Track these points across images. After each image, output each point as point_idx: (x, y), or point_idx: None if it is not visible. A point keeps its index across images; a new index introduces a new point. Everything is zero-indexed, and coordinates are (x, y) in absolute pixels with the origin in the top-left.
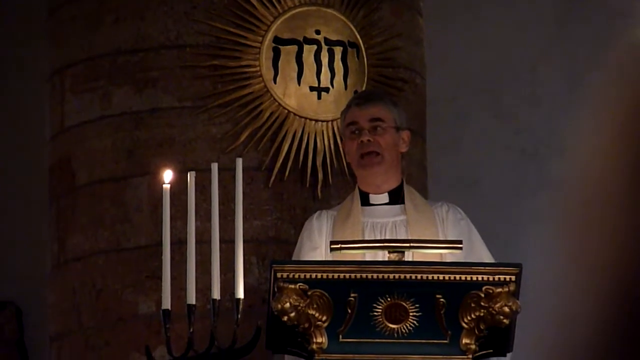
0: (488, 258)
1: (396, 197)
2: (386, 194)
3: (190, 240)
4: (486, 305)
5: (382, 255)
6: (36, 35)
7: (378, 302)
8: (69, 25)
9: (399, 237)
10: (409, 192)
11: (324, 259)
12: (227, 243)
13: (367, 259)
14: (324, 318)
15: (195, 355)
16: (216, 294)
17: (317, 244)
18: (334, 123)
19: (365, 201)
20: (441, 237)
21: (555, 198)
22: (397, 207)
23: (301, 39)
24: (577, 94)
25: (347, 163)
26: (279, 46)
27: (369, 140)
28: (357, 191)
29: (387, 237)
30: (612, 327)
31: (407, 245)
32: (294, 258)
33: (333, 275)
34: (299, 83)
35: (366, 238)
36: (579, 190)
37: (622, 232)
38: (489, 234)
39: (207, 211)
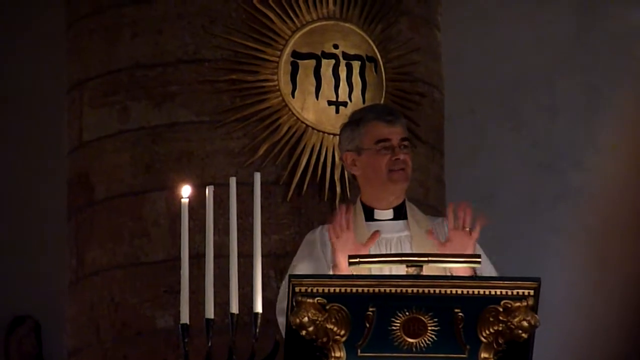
0: (493, 273)
1: (399, 213)
2: (391, 210)
3: (209, 255)
4: (505, 319)
5: (389, 270)
6: (55, 49)
7: (396, 317)
8: (88, 40)
9: (394, 253)
10: (410, 208)
11: (326, 273)
12: (245, 257)
13: (373, 272)
14: (343, 332)
15: None
16: (234, 308)
17: (321, 251)
18: None
19: (369, 216)
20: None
21: (573, 210)
22: (400, 223)
23: (319, 53)
24: (594, 107)
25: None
26: (297, 60)
27: (403, 159)
28: (359, 205)
29: (392, 253)
30: (633, 340)
31: (426, 259)
32: (290, 272)
33: (351, 290)
34: (317, 97)
35: (372, 253)
36: (597, 203)
37: None
38: (507, 247)
39: (225, 225)
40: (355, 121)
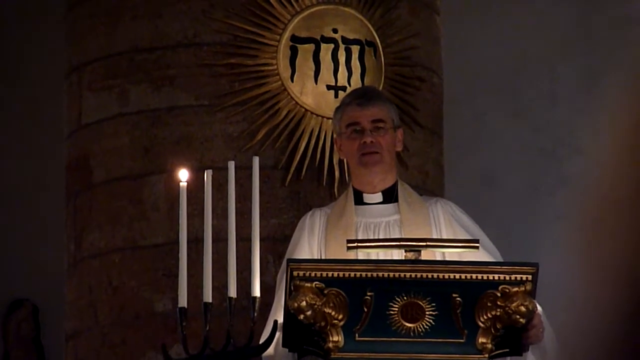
0: (493, 250)
1: (390, 195)
2: (380, 193)
3: (207, 239)
4: (502, 304)
5: (376, 255)
6: (54, 32)
7: (394, 301)
8: (87, 23)
9: (392, 238)
10: (403, 190)
11: (314, 258)
12: (244, 241)
13: (360, 257)
14: (340, 317)
15: (211, 353)
16: (232, 292)
17: (307, 241)
18: None
19: (359, 200)
20: (435, 237)
21: (573, 196)
22: (390, 207)
23: (318, 38)
24: (594, 93)
25: (340, 160)
26: (297, 45)
27: (372, 142)
28: (350, 190)
29: (381, 237)
30: (629, 326)
31: (424, 244)
32: (287, 256)
33: (349, 274)
34: (316, 82)
35: (360, 238)
36: (597, 189)
37: None
38: (506, 233)
39: (223, 209)
40: (339, 105)
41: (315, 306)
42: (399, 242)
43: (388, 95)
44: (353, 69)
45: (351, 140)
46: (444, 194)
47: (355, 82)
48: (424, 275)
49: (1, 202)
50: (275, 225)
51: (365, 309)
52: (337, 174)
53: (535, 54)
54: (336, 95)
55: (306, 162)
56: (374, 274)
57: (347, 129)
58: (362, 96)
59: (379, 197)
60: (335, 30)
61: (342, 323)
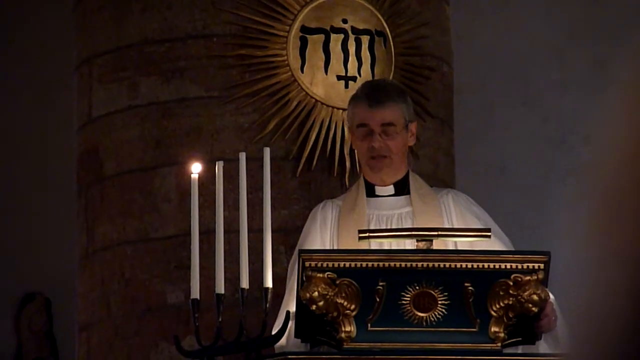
0: (505, 239)
1: (402, 188)
2: (391, 186)
3: (219, 230)
4: (515, 293)
5: (388, 245)
6: (63, 25)
7: (406, 291)
8: (96, 15)
9: (404, 227)
10: (414, 182)
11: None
12: (255, 232)
13: (373, 247)
14: (353, 307)
15: (224, 344)
16: (245, 284)
17: (319, 233)
18: None
19: (370, 192)
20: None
21: (584, 185)
22: (402, 199)
23: (328, 28)
24: (604, 81)
25: (351, 150)
26: (306, 35)
27: (380, 146)
28: (362, 181)
29: (402, 227)
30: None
31: (436, 233)
32: (298, 247)
33: (361, 264)
34: (326, 72)
35: (377, 228)
36: (607, 177)
37: None
38: (518, 222)
39: (235, 201)
40: (352, 97)
41: (328, 296)
42: (411, 231)
43: (399, 86)
44: (363, 59)
45: (361, 141)
46: (454, 184)
47: (366, 72)
48: (436, 264)
49: (12, 196)
50: (286, 216)
51: (378, 299)
52: (348, 164)
53: (544, 43)
54: (346, 86)
55: (317, 152)
56: (386, 264)
57: (357, 128)
58: (373, 95)
59: (390, 189)
60: (345, 21)
61: (354, 313)
